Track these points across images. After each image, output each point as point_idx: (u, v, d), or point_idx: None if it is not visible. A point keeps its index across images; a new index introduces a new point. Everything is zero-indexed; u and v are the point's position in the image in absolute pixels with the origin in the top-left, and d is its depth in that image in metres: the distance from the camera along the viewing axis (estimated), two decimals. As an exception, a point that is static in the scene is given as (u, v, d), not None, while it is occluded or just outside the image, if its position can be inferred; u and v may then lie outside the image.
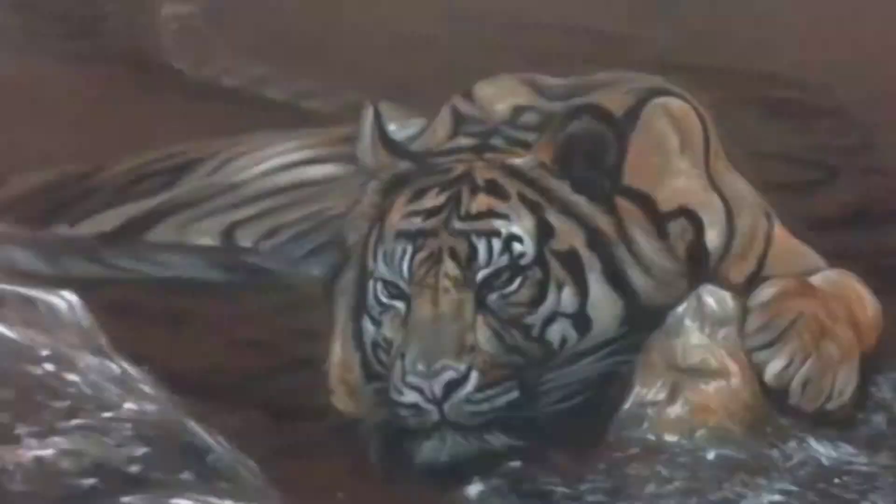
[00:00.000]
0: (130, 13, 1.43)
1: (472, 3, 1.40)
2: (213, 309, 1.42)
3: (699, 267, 1.36)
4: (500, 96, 1.41)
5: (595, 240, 1.33)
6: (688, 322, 1.32)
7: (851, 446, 1.33)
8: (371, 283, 1.35)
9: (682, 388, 1.32)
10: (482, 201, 1.33)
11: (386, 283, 1.33)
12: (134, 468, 1.23)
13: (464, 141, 1.40)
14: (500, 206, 1.33)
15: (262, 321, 1.37)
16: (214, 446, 1.27)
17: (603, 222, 1.33)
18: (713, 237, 1.37)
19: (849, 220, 1.40)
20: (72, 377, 1.26)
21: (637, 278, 1.33)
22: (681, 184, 1.37)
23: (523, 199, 1.33)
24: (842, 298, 1.38)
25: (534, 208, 1.33)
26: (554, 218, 1.33)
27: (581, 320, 1.31)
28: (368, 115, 1.39)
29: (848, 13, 1.39)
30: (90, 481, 1.23)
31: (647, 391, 1.33)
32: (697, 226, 1.37)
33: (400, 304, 1.32)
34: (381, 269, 1.34)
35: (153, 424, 1.26)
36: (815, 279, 1.39)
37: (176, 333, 1.37)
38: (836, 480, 1.31)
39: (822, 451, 1.32)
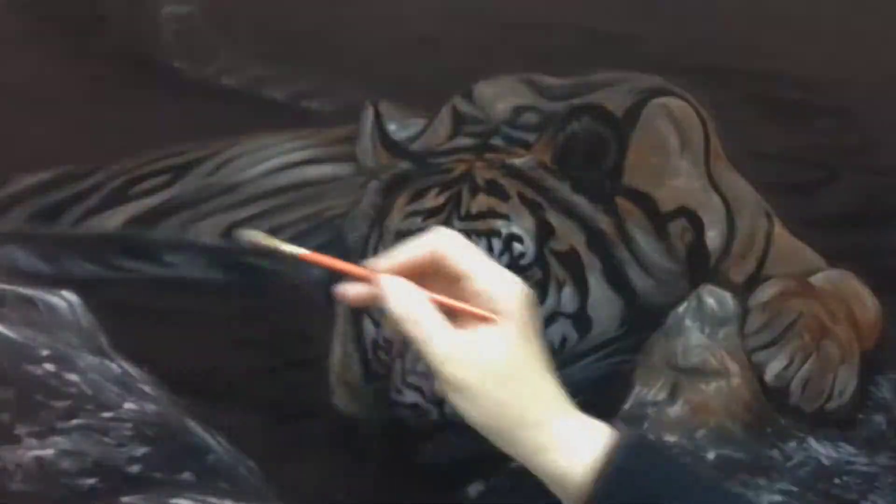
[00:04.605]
0: (130, 13, 1.43)
1: (471, 3, 1.40)
2: (213, 309, 1.42)
3: (699, 267, 1.36)
4: (500, 96, 1.41)
5: (595, 240, 1.33)
6: (688, 322, 1.33)
7: (851, 446, 1.33)
8: (371, 283, 1.35)
9: (682, 388, 1.32)
10: (482, 201, 1.33)
11: (386, 283, 1.33)
12: (134, 468, 1.24)
13: (464, 141, 1.40)
14: (500, 206, 1.33)
15: (262, 321, 1.37)
16: (214, 446, 1.27)
17: (603, 222, 1.33)
18: (713, 237, 1.37)
19: (849, 220, 1.40)
20: (72, 377, 1.26)
21: (637, 278, 1.33)
22: (681, 184, 1.37)
23: (523, 199, 1.33)
24: (842, 298, 1.38)
25: (534, 208, 1.33)
26: (554, 218, 1.33)
27: (581, 320, 1.32)
28: (368, 115, 1.39)
29: (849, 13, 1.39)
30: (90, 481, 1.23)
31: (647, 391, 1.33)
32: (698, 226, 1.37)
33: (400, 304, 1.33)
34: (382, 269, 1.34)
35: (153, 424, 1.26)
36: (815, 279, 1.39)
37: (176, 333, 1.37)
38: (836, 480, 1.31)
39: (822, 451, 1.32)
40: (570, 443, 1.06)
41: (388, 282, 1.11)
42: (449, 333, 1.07)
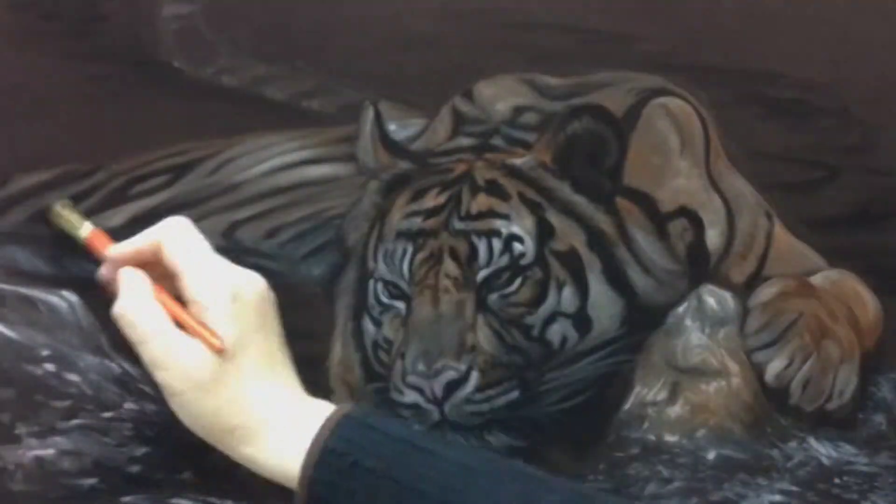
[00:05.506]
0: (130, 13, 1.43)
1: (472, 3, 1.40)
2: (214, 309, 1.41)
3: (700, 267, 1.36)
4: (500, 96, 1.41)
5: (595, 240, 1.33)
6: (688, 322, 1.33)
7: (851, 446, 1.33)
8: (371, 283, 1.35)
9: (683, 388, 1.32)
10: (482, 201, 1.33)
11: (386, 283, 1.34)
12: (134, 468, 1.24)
13: (464, 141, 1.40)
14: (500, 206, 1.33)
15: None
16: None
17: (603, 222, 1.33)
18: (714, 237, 1.37)
19: (849, 220, 1.40)
20: (72, 377, 1.26)
21: (637, 278, 1.33)
22: (681, 184, 1.37)
23: (524, 199, 1.33)
24: (842, 298, 1.38)
25: (534, 208, 1.33)
26: (554, 218, 1.33)
27: (581, 320, 1.32)
28: (368, 114, 1.39)
29: (849, 12, 1.39)
30: (90, 481, 1.23)
31: (647, 391, 1.33)
32: (698, 226, 1.37)
33: (400, 305, 1.33)
34: (382, 269, 1.34)
35: (153, 424, 1.26)
36: (815, 279, 1.39)
37: (176, 333, 1.36)
38: (836, 480, 1.31)
39: (822, 451, 1.32)
40: (281, 444, 1.05)
41: (123, 276, 1.11)
42: (165, 338, 1.07)
